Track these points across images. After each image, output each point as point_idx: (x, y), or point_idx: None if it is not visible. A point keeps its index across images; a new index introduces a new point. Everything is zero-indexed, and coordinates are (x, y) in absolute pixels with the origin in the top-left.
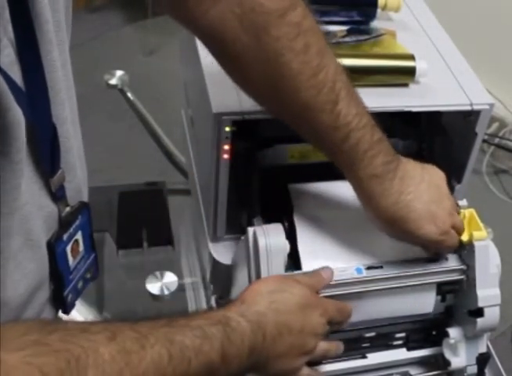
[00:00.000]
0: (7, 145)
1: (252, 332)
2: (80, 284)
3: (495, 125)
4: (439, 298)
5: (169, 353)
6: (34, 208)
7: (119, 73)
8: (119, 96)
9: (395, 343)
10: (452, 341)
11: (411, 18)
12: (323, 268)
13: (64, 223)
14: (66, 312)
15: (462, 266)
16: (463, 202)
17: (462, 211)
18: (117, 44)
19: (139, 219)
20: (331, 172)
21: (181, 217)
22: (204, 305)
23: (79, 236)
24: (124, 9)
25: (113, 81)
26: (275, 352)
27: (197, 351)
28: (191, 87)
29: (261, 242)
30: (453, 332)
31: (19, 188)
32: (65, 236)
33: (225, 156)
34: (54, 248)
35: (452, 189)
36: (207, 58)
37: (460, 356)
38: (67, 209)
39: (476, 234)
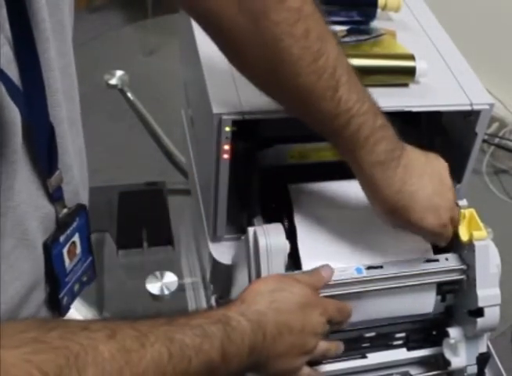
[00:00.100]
0: (2, 145)
1: (252, 331)
2: (76, 287)
3: (495, 125)
4: (439, 298)
5: (169, 352)
6: (31, 208)
7: (119, 73)
8: (119, 96)
9: (395, 343)
10: (452, 341)
11: (411, 18)
12: (323, 266)
13: (61, 225)
14: (61, 314)
15: (462, 266)
16: (463, 202)
17: (462, 211)
18: (117, 44)
19: (139, 219)
20: (331, 172)
21: (181, 217)
22: (204, 305)
23: (76, 238)
24: (124, 9)
25: (113, 81)
26: (276, 352)
27: (197, 349)
28: (191, 87)
29: (262, 242)
30: (453, 332)
31: (13, 188)
32: (62, 238)
33: (225, 156)
34: (50, 250)
35: None
36: (207, 58)
37: (460, 356)
38: (65, 211)
39: (476, 234)
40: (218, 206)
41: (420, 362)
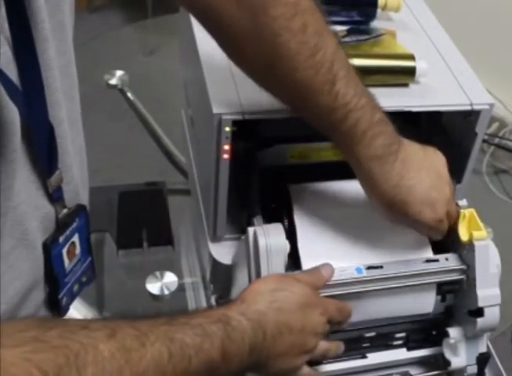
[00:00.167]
0: (1, 144)
1: (253, 331)
2: (75, 288)
3: (495, 125)
4: (439, 298)
5: (169, 351)
6: (31, 208)
7: (119, 73)
8: (119, 96)
9: (395, 343)
10: (452, 341)
11: (411, 18)
12: (323, 265)
13: (61, 225)
14: (61, 315)
15: (462, 266)
16: (463, 202)
17: (462, 211)
18: (117, 44)
19: (139, 219)
20: (331, 172)
21: (181, 217)
22: (204, 305)
23: (76, 238)
24: (124, 9)
25: (113, 81)
26: (276, 351)
27: (197, 349)
28: (191, 87)
29: (262, 242)
30: (453, 332)
31: (13, 188)
32: (61, 239)
33: (225, 156)
34: (50, 250)
35: None
36: (207, 58)
37: (460, 356)
38: (64, 211)
39: (476, 234)
40: (218, 206)
41: (420, 362)
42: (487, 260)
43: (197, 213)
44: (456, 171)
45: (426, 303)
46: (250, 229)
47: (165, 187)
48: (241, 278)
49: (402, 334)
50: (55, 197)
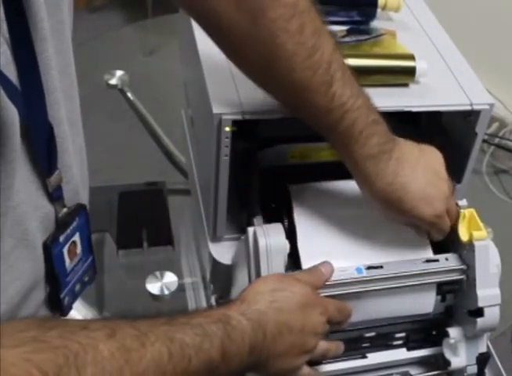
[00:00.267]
0: (0, 144)
1: (253, 331)
2: (77, 287)
3: (495, 125)
4: (439, 298)
5: (169, 351)
6: (30, 208)
7: (119, 73)
8: (119, 96)
9: (395, 343)
10: (452, 341)
11: (411, 18)
12: (323, 263)
13: (61, 224)
14: (63, 314)
15: (462, 266)
16: (463, 202)
17: (462, 211)
18: (117, 44)
19: (139, 219)
20: (331, 172)
21: (181, 217)
22: (204, 305)
23: (77, 237)
24: (124, 9)
25: (113, 81)
26: (276, 351)
27: (197, 349)
28: (191, 87)
29: (261, 242)
30: (453, 332)
31: (13, 188)
32: (61, 238)
33: (225, 156)
34: (50, 249)
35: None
36: (207, 58)
37: (460, 356)
38: (64, 210)
39: (476, 234)
40: (218, 206)
41: (420, 362)
42: (487, 260)
43: (197, 213)
44: (456, 171)
45: (426, 303)
46: (250, 229)
47: (165, 187)
48: (241, 278)
49: (402, 334)
50: (54, 196)
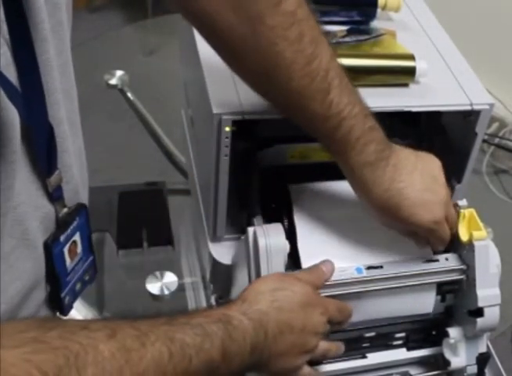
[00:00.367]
0: (1, 145)
1: (254, 330)
2: (78, 286)
3: (495, 125)
4: (439, 298)
5: (169, 351)
6: (31, 209)
7: (119, 73)
8: (119, 96)
9: (395, 343)
10: (452, 341)
11: (411, 18)
12: (323, 262)
13: (61, 224)
14: (64, 314)
15: (462, 266)
16: (463, 202)
17: (462, 211)
18: (117, 44)
19: (139, 219)
20: (331, 172)
21: (181, 217)
22: (204, 305)
23: (77, 237)
24: (124, 9)
25: (113, 81)
26: (277, 351)
27: (198, 349)
28: (191, 87)
29: (261, 242)
30: (453, 332)
31: (13, 188)
32: (62, 238)
33: (225, 156)
34: (51, 249)
35: (452, 189)
36: (207, 58)
37: (460, 356)
38: (65, 210)
39: (476, 234)
40: (218, 206)
41: (420, 362)
42: (487, 260)
43: (197, 213)
44: (456, 171)
45: (426, 303)
46: (250, 229)
47: (165, 187)
48: (241, 278)
49: (402, 334)
50: (55, 196)
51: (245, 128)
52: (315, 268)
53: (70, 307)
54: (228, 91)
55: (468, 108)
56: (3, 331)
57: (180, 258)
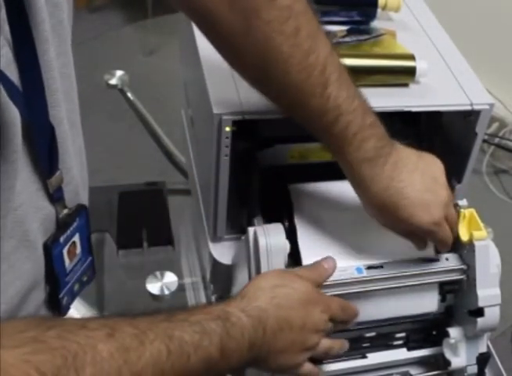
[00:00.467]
0: (1, 145)
1: (252, 327)
2: (76, 287)
3: (495, 125)
4: (439, 298)
5: (168, 349)
6: (31, 209)
7: (119, 73)
8: (119, 96)
9: (395, 343)
10: (452, 341)
11: (411, 18)
12: (325, 258)
13: (61, 225)
14: (62, 314)
15: (462, 266)
16: (463, 202)
17: (462, 211)
18: (117, 44)
19: (139, 219)
20: (331, 172)
21: (181, 217)
22: None
23: (76, 238)
24: (124, 9)
25: (113, 81)
26: (276, 348)
27: (196, 346)
28: (191, 87)
29: (262, 242)
30: (453, 332)
31: (13, 189)
32: (62, 239)
33: (225, 156)
34: (50, 250)
35: (452, 189)
36: (207, 58)
37: (460, 356)
38: (65, 211)
39: (476, 234)
40: (218, 206)
41: (420, 362)
42: (487, 260)
43: (197, 213)
44: (456, 171)
45: (428, 303)
46: (250, 229)
47: (165, 187)
48: (241, 278)
49: (402, 334)
50: (55, 197)
51: (245, 128)
52: (316, 265)
53: (68, 308)
54: (229, 91)
55: (468, 108)
56: (3, 331)
57: (180, 258)
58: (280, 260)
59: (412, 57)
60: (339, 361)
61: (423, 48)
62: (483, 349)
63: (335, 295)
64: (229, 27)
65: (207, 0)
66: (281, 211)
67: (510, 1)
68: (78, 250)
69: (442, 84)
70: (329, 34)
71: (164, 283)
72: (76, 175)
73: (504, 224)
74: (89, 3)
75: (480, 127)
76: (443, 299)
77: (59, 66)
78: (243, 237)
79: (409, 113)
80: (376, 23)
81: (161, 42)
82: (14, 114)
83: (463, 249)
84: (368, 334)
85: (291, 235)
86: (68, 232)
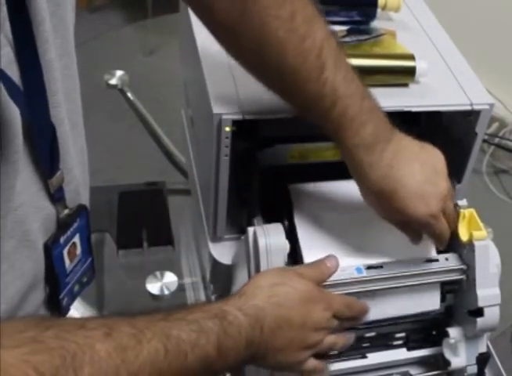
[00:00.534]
0: (2, 145)
1: (249, 325)
2: (76, 288)
3: (495, 125)
4: (439, 297)
5: (165, 348)
6: (32, 210)
7: (119, 73)
8: (119, 96)
9: (395, 343)
10: (452, 341)
11: (411, 18)
12: (328, 257)
13: (62, 225)
14: (62, 315)
15: (462, 266)
16: (463, 202)
17: (462, 211)
18: (117, 44)
19: (139, 219)
20: (331, 172)
21: (181, 217)
22: None
23: (77, 239)
24: (124, 9)
25: (113, 81)
26: (275, 346)
27: (193, 345)
28: (191, 87)
29: (261, 242)
30: (453, 332)
31: (14, 189)
32: (62, 239)
33: (225, 156)
34: (51, 251)
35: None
36: (207, 58)
37: (460, 356)
38: (66, 211)
39: (476, 234)
40: (218, 206)
41: (420, 362)
42: (487, 260)
43: (197, 213)
44: (456, 171)
45: (430, 301)
46: (250, 229)
47: (165, 187)
48: (241, 278)
49: (402, 334)
50: (56, 197)
51: (245, 128)
52: (318, 263)
53: (68, 309)
54: (229, 91)
55: (468, 108)
56: (3, 331)
57: (180, 258)
58: (280, 260)
59: (412, 57)
60: (339, 361)
61: (423, 48)
62: (483, 349)
63: None
64: (225, 11)
65: None
66: (281, 211)
67: (510, 1)
68: (78, 251)
69: (442, 84)
70: None
71: (163, 283)
72: (77, 175)
73: (504, 224)
74: (89, 3)
75: (480, 127)
76: (443, 299)
77: (62, 67)
78: (242, 237)
79: (409, 113)
80: (376, 23)
81: (161, 42)
82: (15, 114)
83: (462, 249)
84: (368, 334)
85: (291, 235)
86: (68, 232)
